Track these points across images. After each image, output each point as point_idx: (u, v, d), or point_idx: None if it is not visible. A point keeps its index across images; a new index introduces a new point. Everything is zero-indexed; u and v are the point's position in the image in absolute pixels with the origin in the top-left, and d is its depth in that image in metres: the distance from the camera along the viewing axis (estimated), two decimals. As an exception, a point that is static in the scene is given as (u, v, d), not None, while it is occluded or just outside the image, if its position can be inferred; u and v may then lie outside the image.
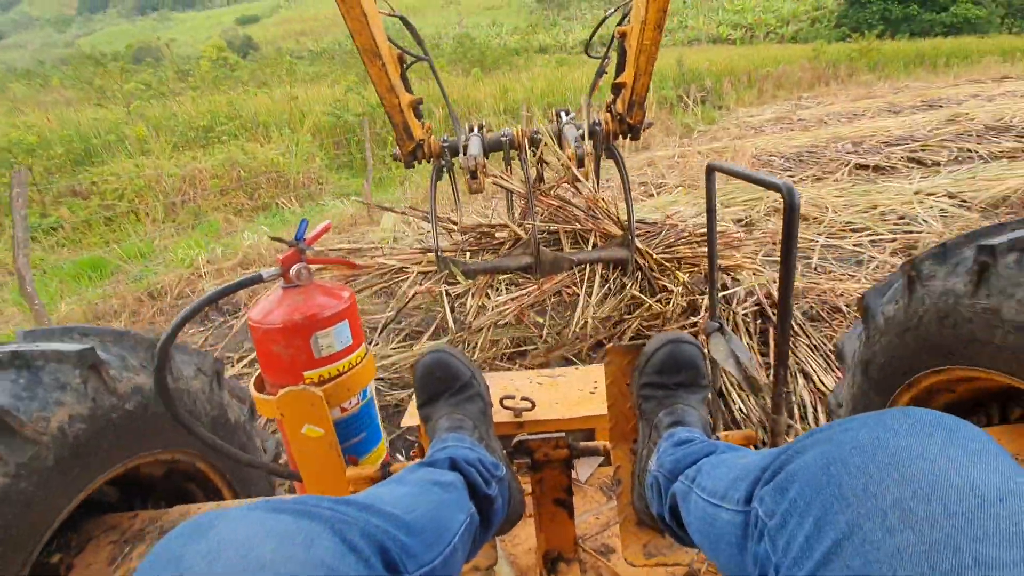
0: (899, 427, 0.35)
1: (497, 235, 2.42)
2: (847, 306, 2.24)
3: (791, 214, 0.69)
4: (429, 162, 2.18)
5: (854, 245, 2.90)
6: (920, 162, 4.59)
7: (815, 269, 2.69)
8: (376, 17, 1.65)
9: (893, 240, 2.88)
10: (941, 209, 3.22)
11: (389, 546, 0.45)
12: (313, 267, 0.96)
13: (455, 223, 2.56)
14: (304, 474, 0.91)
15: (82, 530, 0.95)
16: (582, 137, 2.04)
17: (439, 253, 2.13)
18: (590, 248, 2.25)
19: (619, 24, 1.92)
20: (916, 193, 3.50)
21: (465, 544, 0.60)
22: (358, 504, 0.48)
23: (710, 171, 0.96)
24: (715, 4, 42.67)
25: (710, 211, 0.99)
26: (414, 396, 0.93)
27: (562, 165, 2.14)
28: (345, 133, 7.53)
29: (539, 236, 2.16)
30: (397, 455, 1.77)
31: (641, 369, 0.81)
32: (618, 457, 0.85)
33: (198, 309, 0.83)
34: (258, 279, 0.88)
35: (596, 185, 2.59)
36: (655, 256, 2.27)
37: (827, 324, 2.14)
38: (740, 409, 1.68)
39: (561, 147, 2.22)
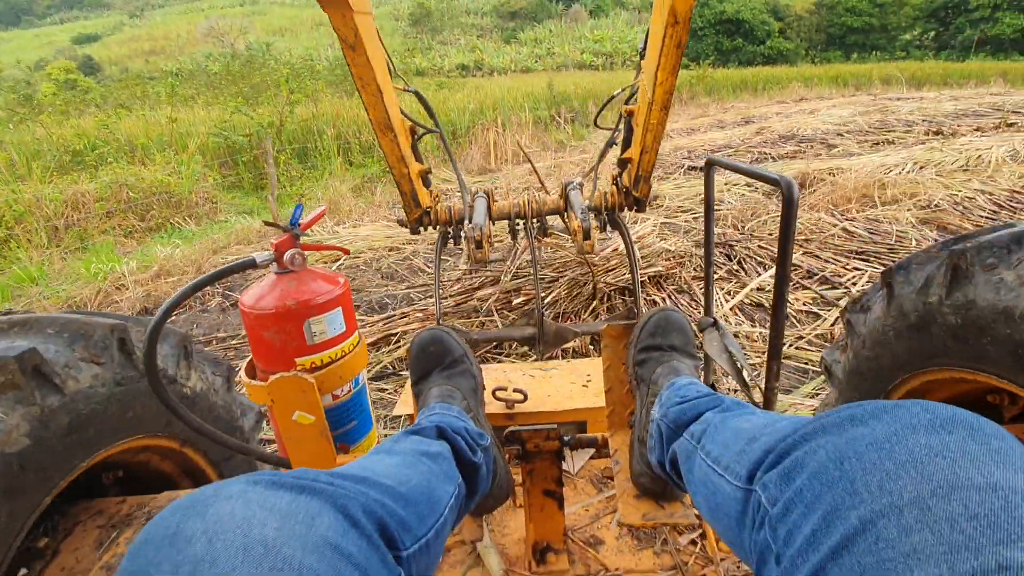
0: (917, 422, 0.35)
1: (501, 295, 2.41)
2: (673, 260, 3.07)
3: (789, 209, 0.67)
4: (435, 229, 2.17)
5: (684, 221, 3.85)
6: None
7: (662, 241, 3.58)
8: (390, 92, 1.70)
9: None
10: (741, 194, 4.32)
11: (387, 521, 0.46)
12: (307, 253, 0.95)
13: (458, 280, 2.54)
14: (294, 461, 0.91)
15: (69, 515, 0.93)
16: (588, 209, 2.03)
17: (440, 321, 2.06)
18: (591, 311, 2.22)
19: (626, 103, 1.92)
20: (726, 183, 4.62)
21: (453, 514, 0.62)
22: (354, 477, 0.48)
23: (709, 166, 0.95)
24: (578, 34, 46.50)
25: (708, 206, 0.98)
26: (408, 380, 0.92)
27: (570, 242, 2.07)
28: (232, 154, 7.56)
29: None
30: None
31: (636, 341, 0.84)
32: (616, 442, 0.84)
33: (189, 293, 0.82)
34: (251, 264, 0.87)
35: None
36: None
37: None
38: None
39: (567, 217, 2.21)
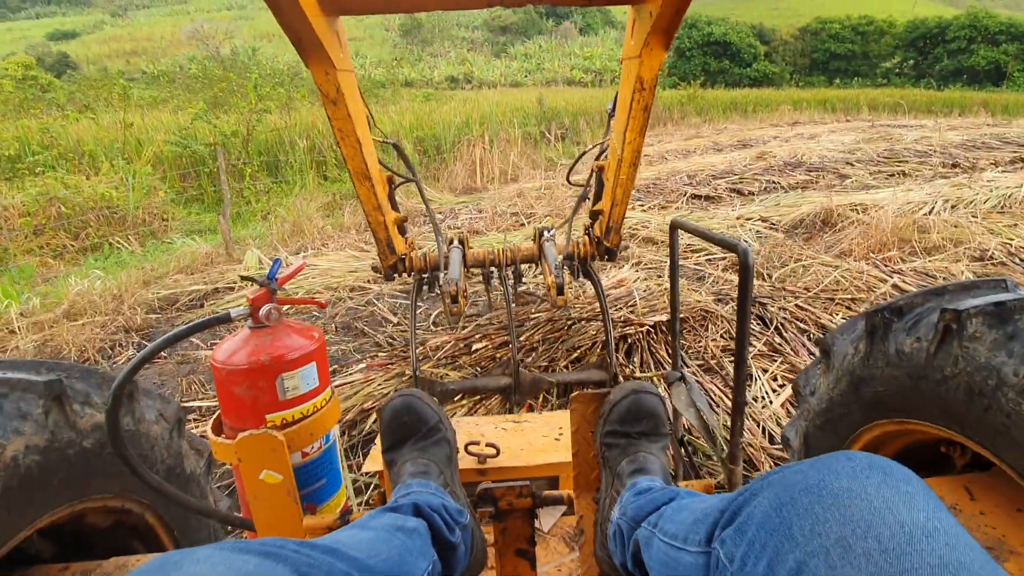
0: (841, 469, 0.39)
1: (474, 348, 2.38)
2: (705, 311, 2.55)
3: (745, 273, 0.69)
4: (410, 276, 2.17)
5: (694, 264, 3.33)
6: (739, 192, 5.42)
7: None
8: (369, 143, 1.74)
9: (723, 259, 3.35)
10: (756, 231, 3.83)
11: None
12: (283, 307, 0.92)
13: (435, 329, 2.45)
14: (258, 522, 0.87)
15: None
16: (563, 261, 2.07)
17: (417, 372, 2.06)
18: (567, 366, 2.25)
19: (596, 159, 2.00)
20: (738, 218, 4.13)
21: None
22: (322, 547, 0.48)
23: (673, 228, 0.99)
24: (568, 50, 46.64)
25: (673, 265, 1.01)
26: (378, 440, 0.89)
27: (543, 295, 2.12)
28: (194, 164, 6.90)
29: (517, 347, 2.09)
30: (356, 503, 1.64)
31: (605, 417, 0.83)
32: (581, 507, 0.84)
33: (159, 348, 0.80)
34: (226, 318, 0.85)
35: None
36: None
37: (696, 329, 2.43)
38: (702, 457, 1.70)
39: (541, 268, 2.19)
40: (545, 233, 2.31)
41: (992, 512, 0.77)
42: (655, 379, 2.12)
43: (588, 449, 0.85)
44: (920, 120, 11.25)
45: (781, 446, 1.35)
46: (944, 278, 2.69)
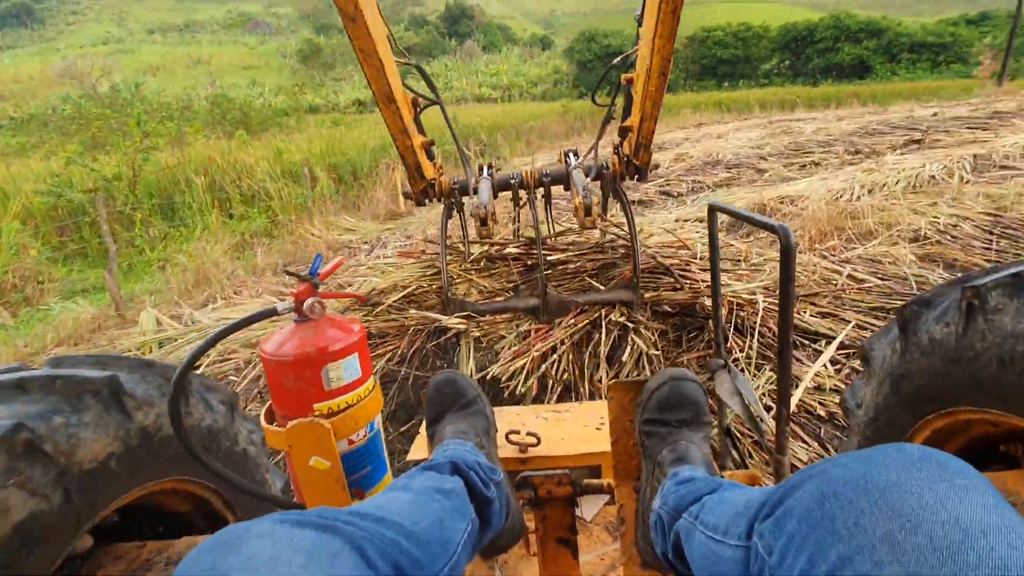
0: (890, 462, 0.37)
1: (505, 257, 2.40)
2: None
3: (787, 255, 0.67)
4: (440, 201, 2.20)
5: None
6: (668, 194, 5.45)
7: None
8: (391, 64, 1.70)
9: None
10: (698, 232, 3.79)
11: (402, 561, 0.48)
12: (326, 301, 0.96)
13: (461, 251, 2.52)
14: (309, 506, 0.90)
15: (92, 558, 0.95)
16: (591, 180, 2.05)
17: (448, 294, 2.10)
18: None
19: (625, 72, 1.95)
20: (676, 220, 4.08)
21: (467, 551, 0.62)
22: (371, 516, 0.50)
23: (711, 211, 0.95)
24: (473, 68, 47.14)
25: (713, 249, 0.98)
26: (423, 424, 0.95)
27: (574, 215, 2.06)
28: (71, 214, 6.03)
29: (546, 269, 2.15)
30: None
31: (644, 406, 0.81)
32: (622, 495, 0.83)
33: (212, 343, 0.84)
34: (272, 312, 0.89)
35: (604, 221, 2.59)
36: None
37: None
38: (750, 447, 1.61)
39: (569, 190, 2.21)
40: (572, 157, 2.28)
41: None
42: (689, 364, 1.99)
43: (627, 438, 0.84)
44: (809, 113, 12.15)
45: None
46: (891, 263, 2.70)
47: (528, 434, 1.09)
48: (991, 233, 3.04)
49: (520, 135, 13.84)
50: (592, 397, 1.92)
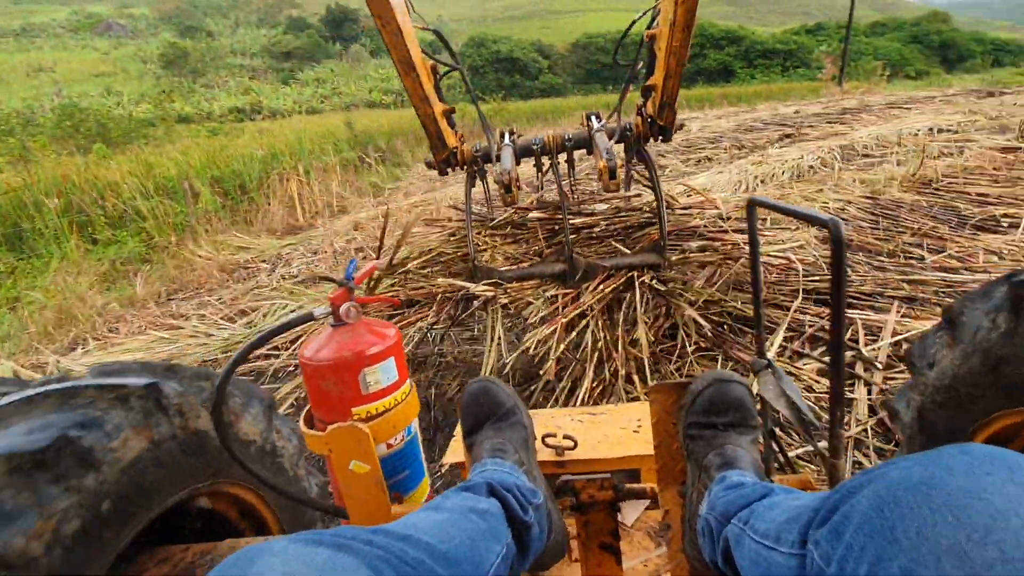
0: (955, 465, 0.34)
1: (529, 225, 2.34)
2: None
3: (839, 248, 0.64)
4: (463, 169, 2.17)
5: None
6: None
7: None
8: (411, 32, 1.66)
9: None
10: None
11: None
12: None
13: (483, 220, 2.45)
14: (351, 510, 0.91)
15: (137, 561, 0.97)
16: (615, 143, 1.99)
17: (474, 261, 2.09)
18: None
19: (648, 28, 1.91)
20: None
21: (503, 573, 0.60)
22: (396, 535, 0.48)
23: (751, 206, 0.92)
24: (362, 72, 45.63)
25: (753, 245, 0.94)
26: (459, 429, 0.95)
27: (597, 179, 2.02)
28: None
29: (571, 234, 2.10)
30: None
31: (688, 408, 0.79)
32: (667, 500, 0.82)
33: (254, 347, 0.84)
34: (310, 318, 0.89)
35: (628, 188, 2.57)
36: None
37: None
38: (798, 452, 1.54)
39: (592, 154, 2.15)
40: (595, 120, 2.24)
41: None
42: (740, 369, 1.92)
43: (671, 441, 0.82)
44: (691, 113, 13.08)
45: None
46: (799, 246, 2.89)
47: (564, 437, 1.08)
48: (873, 214, 3.37)
49: (420, 140, 13.55)
50: (628, 364, 1.86)
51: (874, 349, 1.96)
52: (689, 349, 1.97)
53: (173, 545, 1.00)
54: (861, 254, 2.88)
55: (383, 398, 0.95)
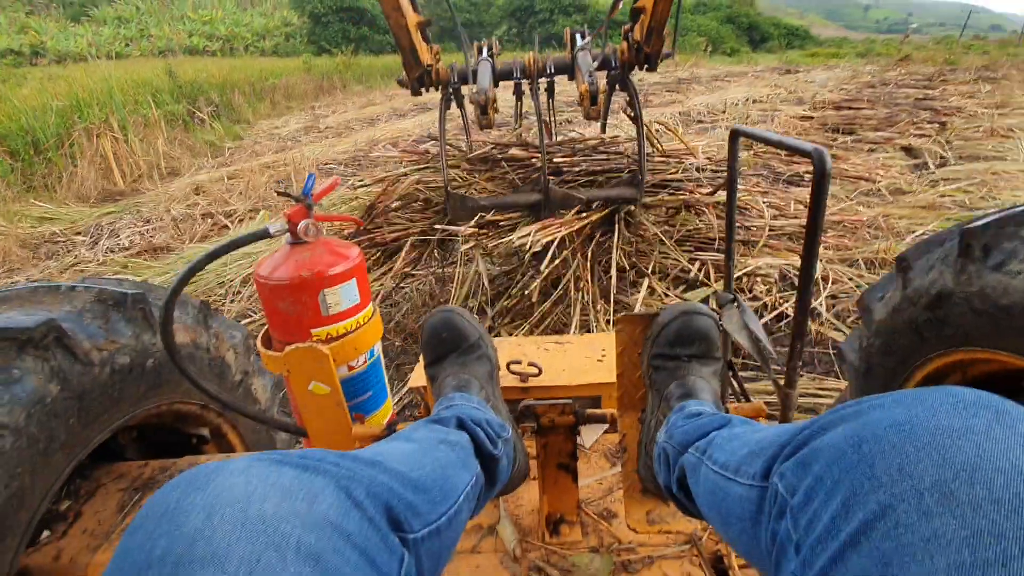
0: (939, 406, 0.33)
1: (505, 162, 2.28)
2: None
3: (821, 180, 0.62)
4: (437, 89, 2.05)
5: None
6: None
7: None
8: None
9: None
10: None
11: (394, 504, 0.45)
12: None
13: (462, 151, 2.37)
14: (311, 430, 0.91)
15: (91, 478, 0.96)
16: (597, 68, 1.93)
17: (448, 188, 2.01)
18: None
19: None
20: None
21: (470, 503, 0.60)
22: (364, 460, 0.47)
23: (734, 136, 0.87)
24: (177, 13, 39.12)
25: (731, 178, 0.90)
26: (421, 357, 0.94)
27: (578, 104, 1.96)
28: None
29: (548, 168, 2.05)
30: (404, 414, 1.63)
31: (653, 339, 0.80)
32: (625, 425, 0.84)
33: (202, 264, 0.81)
34: (264, 234, 0.85)
35: (605, 121, 2.53)
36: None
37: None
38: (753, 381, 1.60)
39: (574, 77, 2.07)
40: (578, 39, 2.16)
41: None
42: (710, 299, 1.98)
43: (634, 370, 0.84)
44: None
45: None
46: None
47: (529, 364, 1.10)
48: (711, 175, 3.84)
49: (261, 94, 12.15)
50: (606, 297, 1.89)
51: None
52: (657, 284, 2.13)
53: (130, 462, 0.98)
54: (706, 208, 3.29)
55: (344, 320, 0.92)
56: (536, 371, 1.10)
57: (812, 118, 5.60)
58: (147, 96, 8.15)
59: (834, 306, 2.23)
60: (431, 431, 0.65)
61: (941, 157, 4.14)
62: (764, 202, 3.19)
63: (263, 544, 0.32)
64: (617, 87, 2.16)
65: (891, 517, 0.29)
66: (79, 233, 4.29)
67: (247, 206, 4.12)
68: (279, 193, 1.00)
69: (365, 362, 0.99)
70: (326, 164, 5.40)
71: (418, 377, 1.16)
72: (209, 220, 3.88)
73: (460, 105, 2.26)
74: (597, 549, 0.83)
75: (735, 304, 0.92)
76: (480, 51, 2.24)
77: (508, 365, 1.09)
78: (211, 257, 0.81)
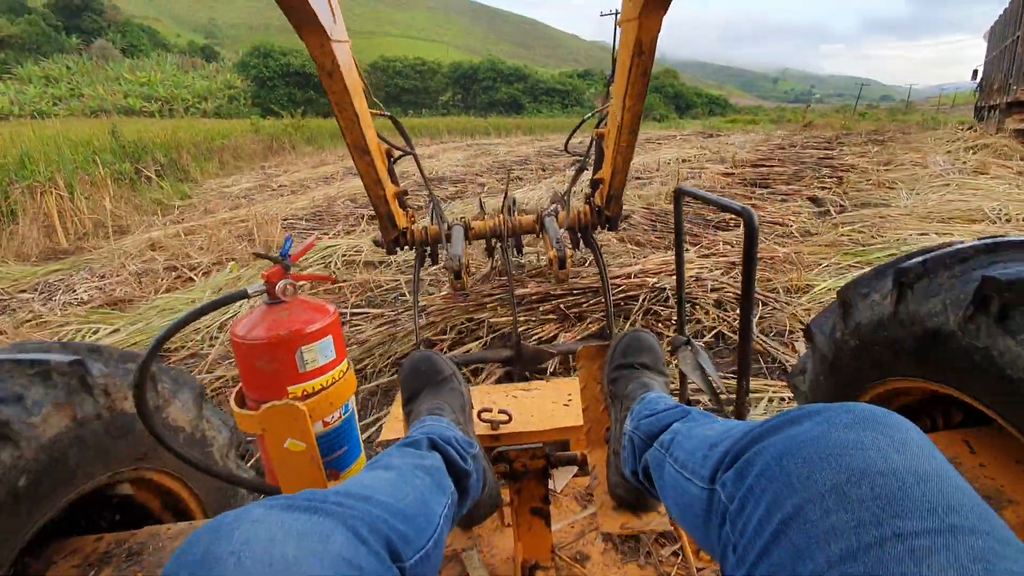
0: (840, 421, 0.41)
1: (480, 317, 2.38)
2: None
3: (751, 235, 0.71)
4: (412, 249, 2.16)
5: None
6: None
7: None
8: (366, 116, 1.70)
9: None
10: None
11: (391, 536, 0.49)
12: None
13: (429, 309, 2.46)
14: (285, 489, 0.92)
15: (42, 557, 0.91)
16: (565, 231, 2.08)
17: (420, 344, 2.06)
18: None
19: (596, 127, 2.01)
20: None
21: (448, 522, 0.65)
22: (357, 495, 0.51)
23: (679, 195, 0.99)
24: (113, 73, 38.51)
25: (678, 232, 1.01)
26: (398, 401, 0.97)
27: (545, 268, 2.12)
28: None
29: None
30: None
31: (609, 358, 0.89)
32: (594, 459, 0.88)
33: (181, 326, 0.81)
34: (243, 295, 0.88)
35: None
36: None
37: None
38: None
39: (542, 241, 2.21)
40: (546, 211, 2.32)
41: (991, 464, 0.81)
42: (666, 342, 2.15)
43: (597, 404, 0.89)
44: (494, 140, 14.23)
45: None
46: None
47: (500, 411, 1.13)
48: (651, 220, 4.29)
49: (209, 154, 12.13)
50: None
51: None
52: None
53: (83, 536, 0.94)
54: (647, 248, 3.68)
55: (320, 376, 0.94)
56: (506, 418, 1.14)
57: (733, 174, 6.31)
58: (91, 155, 8.04)
59: (764, 322, 2.57)
60: (406, 457, 0.68)
61: (840, 205, 4.80)
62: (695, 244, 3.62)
63: None
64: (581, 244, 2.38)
65: (801, 516, 0.36)
66: (24, 291, 4.17)
67: (211, 259, 4.17)
68: (257, 255, 1.04)
69: (340, 417, 1.01)
70: (286, 219, 5.52)
71: (390, 430, 1.19)
72: (173, 273, 3.90)
73: (435, 262, 2.36)
74: None
75: (688, 346, 1.00)
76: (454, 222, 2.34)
77: (479, 413, 1.12)
78: (187, 320, 0.82)
